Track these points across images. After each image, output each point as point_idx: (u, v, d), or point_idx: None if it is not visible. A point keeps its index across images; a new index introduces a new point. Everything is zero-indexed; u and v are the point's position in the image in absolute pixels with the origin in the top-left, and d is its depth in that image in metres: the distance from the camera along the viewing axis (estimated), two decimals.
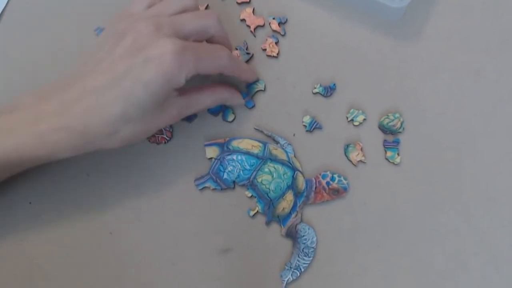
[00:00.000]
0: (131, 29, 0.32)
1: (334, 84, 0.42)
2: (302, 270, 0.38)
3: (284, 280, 0.38)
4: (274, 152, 0.40)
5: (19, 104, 0.34)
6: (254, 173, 0.39)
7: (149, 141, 0.41)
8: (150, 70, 0.31)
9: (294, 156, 0.41)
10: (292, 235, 0.39)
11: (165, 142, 0.41)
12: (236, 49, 0.43)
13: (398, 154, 0.40)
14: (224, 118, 0.42)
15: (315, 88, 0.42)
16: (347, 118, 0.41)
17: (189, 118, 0.42)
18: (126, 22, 0.34)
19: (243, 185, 0.40)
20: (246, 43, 0.43)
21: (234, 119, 0.42)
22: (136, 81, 0.31)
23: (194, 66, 0.32)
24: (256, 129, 0.41)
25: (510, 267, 0.39)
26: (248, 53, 0.43)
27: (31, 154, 0.33)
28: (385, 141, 0.41)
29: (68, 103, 0.32)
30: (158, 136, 0.41)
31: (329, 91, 0.42)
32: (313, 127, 0.41)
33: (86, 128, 0.32)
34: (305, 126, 0.41)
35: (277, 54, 0.43)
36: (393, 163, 0.40)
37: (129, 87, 0.31)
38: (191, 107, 0.37)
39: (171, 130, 0.41)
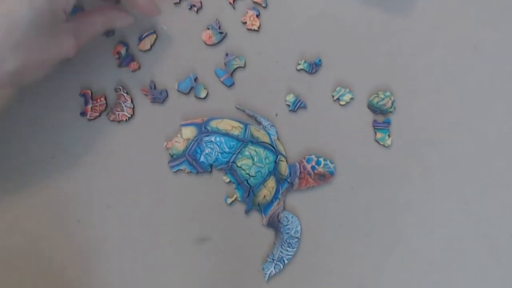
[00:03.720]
0: None
1: (320, 60, 0.41)
2: (286, 262, 0.38)
3: (266, 273, 0.38)
4: (256, 134, 0.39)
5: None
6: (234, 156, 0.39)
7: (109, 119, 0.40)
8: None
9: (278, 139, 0.40)
10: (275, 224, 0.39)
11: (126, 120, 0.40)
12: (208, 28, 0.42)
13: (388, 136, 0.40)
14: (197, 95, 0.41)
15: (299, 64, 0.41)
16: (332, 96, 0.41)
17: (160, 98, 0.41)
18: None
19: (221, 169, 0.39)
20: (219, 22, 0.42)
21: (207, 95, 0.41)
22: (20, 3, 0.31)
23: None
24: (237, 108, 0.41)
25: (506, 256, 0.39)
26: (221, 33, 0.42)
27: None
28: (374, 121, 0.40)
29: None
30: (119, 114, 0.40)
31: (314, 67, 0.41)
32: (297, 106, 0.40)
33: None
34: (288, 105, 0.40)
35: (258, 27, 0.41)
36: (383, 145, 0.40)
37: (12, 4, 0.31)
38: (85, 33, 0.37)
39: (132, 107, 0.40)
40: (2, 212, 0.39)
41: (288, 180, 0.39)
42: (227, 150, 0.39)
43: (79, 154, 0.40)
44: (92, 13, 0.38)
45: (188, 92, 0.41)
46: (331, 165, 0.39)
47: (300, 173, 0.39)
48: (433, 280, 0.38)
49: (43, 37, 0.33)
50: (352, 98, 0.41)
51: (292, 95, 0.40)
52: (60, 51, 0.35)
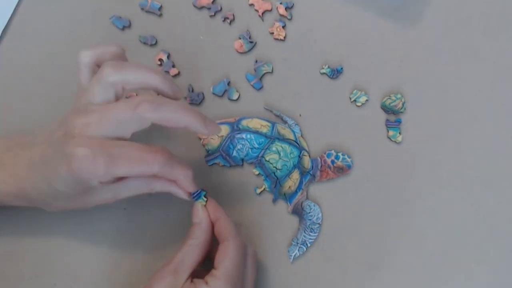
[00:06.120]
0: (67, 121, 0.32)
1: (342, 68, 0.43)
2: (309, 245, 0.39)
3: (291, 255, 0.39)
4: (282, 131, 0.41)
5: None
6: (262, 151, 0.40)
7: None
8: (63, 166, 0.30)
9: (301, 136, 0.42)
10: (298, 212, 0.40)
11: None
12: (239, 38, 0.44)
13: (399, 133, 0.41)
14: (229, 97, 0.43)
15: (322, 68, 0.43)
16: (350, 98, 0.42)
17: (197, 100, 0.42)
18: (71, 109, 0.33)
19: (251, 163, 0.41)
20: (249, 32, 0.44)
21: (239, 97, 0.43)
22: (53, 170, 0.31)
23: (106, 170, 0.30)
24: (266, 108, 0.42)
25: (504, 240, 0.40)
26: (251, 42, 0.44)
27: None
28: (387, 120, 0.42)
29: (19, 162, 0.34)
30: None
31: (335, 73, 0.43)
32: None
33: (25, 192, 0.34)
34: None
35: (284, 37, 0.43)
36: (395, 141, 0.42)
37: (50, 173, 0.32)
38: (123, 193, 0.35)
39: None
40: None
41: (311, 172, 0.40)
42: (256, 146, 0.40)
43: None
44: (131, 180, 0.35)
45: (222, 95, 0.43)
46: (349, 159, 0.40)
47: (321, 166, 0.41)
48: (439, 262, 0.39)
49: (79, 197, 0.33)
50: (367, 100, 0.42)
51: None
52: (97, 203, 0.35)
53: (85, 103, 0.32)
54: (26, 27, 0.44)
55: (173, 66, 0.43)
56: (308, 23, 0.44)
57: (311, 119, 0.42)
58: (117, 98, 0.33)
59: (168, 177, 0.33)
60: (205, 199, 0.35)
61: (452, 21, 0.44)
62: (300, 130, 0.42)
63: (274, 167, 0.40)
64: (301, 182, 0.40)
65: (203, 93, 0.43)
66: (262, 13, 0.44)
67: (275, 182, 0.40)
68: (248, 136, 0.41)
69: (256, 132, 0.41)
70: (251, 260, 0.35)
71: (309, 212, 0.40)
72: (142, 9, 0.44)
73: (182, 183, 0.34)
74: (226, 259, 0.33)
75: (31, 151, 0.34)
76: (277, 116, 0.42)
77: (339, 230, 0.40)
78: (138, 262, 0.39)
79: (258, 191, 0.40)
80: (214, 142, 0.41)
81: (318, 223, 0.40)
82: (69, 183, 0.31)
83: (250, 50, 0.44)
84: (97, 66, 0.34)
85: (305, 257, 0.39)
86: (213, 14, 0.44)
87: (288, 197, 0.40)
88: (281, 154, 0.40)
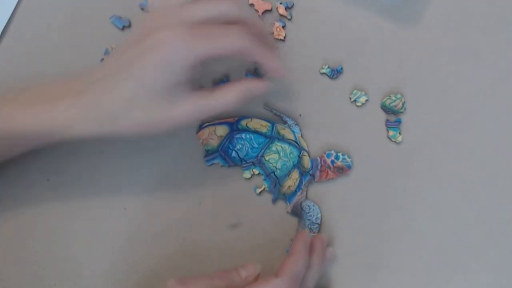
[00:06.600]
0: (151, 35, 0.33)
1: (341, 68, 0.43)
2: None
3: None
4: (281, 132, 0.41)
5: (51, 82, 0.36)
6: (262, 151, 0.40)
7: None
8: (156, 51, 0.32)
9: (301, 136, 0.42)
10: (298, 212, 0.40)
11: None
12: None
13: (399, 133, 0.42)
14: None
15: (322, 68, 0.43)
16: (350, 98, 0.42)
17: None
18: (152, 24, 0.34)
19: (249, 164, 0.41)
20: None
21: None
22: (144, 63, 0.32)
23: (203, 46, 0.32)
24: (265, 108, 0.42)
25: (506, 242, 0.40)
26: None
27: (45, 129, 0.34)
28: (387, 121, 0.42)
29: (88, 84, 0.34)
30: None
31: (335, 73, 0.43)
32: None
33: (98, 107, 0.34)
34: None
35: (284, 37, 0.43)
36: (395, 142, 0.42)
37: (138, 69, 0.32)
38: (210, 104, 0.35)
39: None
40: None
41: (310, 172, 0.41)
42: (256, 146, 0.40)
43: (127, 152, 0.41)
44: (223, 87, 0.36)
45: None
46: (349, 160, 0.40)
47: (321, 166, 0.41)
48: (439, 262, 0.39)
49: (163, 103, 0.33)
50: (367, 100, 0.42)
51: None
52: (178, 117, 0.34)
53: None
54: (26, 27, 0.44)
55: None
56: (308, 23, 0.44)
57: (311, 119, 0.42)
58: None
59: (252, 50, 0.35)
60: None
61: (452, 21, 0.44)
62: (300, 130, 0.42)
63: (274, 166, 0.40)
64: (300, 182, 0.40)
65: None
66: (262, 13, 0.44)
67: (275, 182, 0.40)
68: (248, 136, 0.41)
69: (255, 132, 0.41)
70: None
71: (309, 212, 0.40)
72: (142, 9, 0.45)
73: (265, 55, 0.36)
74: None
75: (104, 68, 0.35)
76: (277, 116, 0.42)
77: (338, 230, 0.40)
78: (138, 262, 0.39)
79: (258, 190, 0.40)
80: (213, 142, 0.41)
81: (318, 223, 0.40)
82: (161, 70, 0.32)
83: None
84: None
85: None
86: None
87: (288, 197, 0.40)
88: (281, 154, 0.40)
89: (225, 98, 0.35)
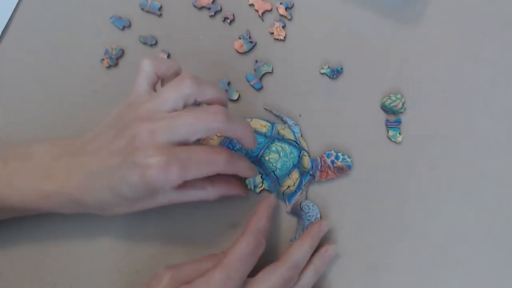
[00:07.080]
0: (130, 128, 0.33)
1: (341, 68, 0.43)
2: None
3: None
4: (281, 132, 0.41)
5: (32, 154, 0.36)
6: (262, 151, 0.40)
7: None
8: (134, 176, 0.31)
9: (301, 136, 0.42)
10: (297, 212, 0.40)
11: None
12: (239, 38, 0.44)
13: (399, 133, 0.42)
14: (229, 97, 0.43)
15: (322, 68, 0.43)
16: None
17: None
18: (129, 115, 0.34)
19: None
20: (249, 32, 0.44)
21: (239, 97, 0.43)
22: (122, 179, 0.32)
23: (179, 177, 0.32)
24: (265, 108, 0.42)
25: (506, 242, 0.40)
26: (251, 42, 0.44)
27: (33, 207, 0.35)
28: (387, 121, 0.42)
29: (72, 172, 0.34)
30: None
31: (335, 73, 0.43)
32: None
33: (81, 200, 0.34)
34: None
35: (284, 37, 0.44)
36: (395, 142, 0.42)
37: (117, 182, 0.32)
38: (183, 199, 0.36)
39: None
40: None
41: (310, 172, 0.41)
42: None
43: None
44: (197, 184, 0.36)
45: None
46: (349, 160, 0.40)
47: (321, 166, 0.41)
48: (438, 262, 0.39)
49: (140, 201, 0.34)
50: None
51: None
52: (153, 206, 0.35)
53: (149, 109, 0.33)
54: (26, 27, 0.44)
55: None
56: (308, 23, 0.44)
57: (311, 119, 0.42)
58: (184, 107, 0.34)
59: (231, 171, 0.35)
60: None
61: (452, 21, 0.44)
62: (300, 130, 0.42)
63: (273, 166, 0.40)
64: (300, 182, 0.40)
65: None
66: (262, 13, 0.44)
67: (275, 181, 0.40)
68: None
69: (255, 132, 0.41)
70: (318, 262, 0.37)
71: (308, 212, 0.40)
72: (142, 9, 0.45)
73: (244, 173, 0.37)
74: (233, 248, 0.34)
75: (85, 160, 0.34)
76: (277, 116, 0.42)
77: (338, 230, 0.40)
78: (138, 262, 0.39)
79: (258, 190, 0.40)
80: (214, 142, 0.41)
81: None
82: (139, 190, 0.32)
83: (250, 50, 0.44)
84: (156, 76, 0.36)
85: None
86: (213, 14, 0.44)
87: (287, 197, 0.40)
88: (281, 154, 0.40)
89: (198, 197, 0.37)
